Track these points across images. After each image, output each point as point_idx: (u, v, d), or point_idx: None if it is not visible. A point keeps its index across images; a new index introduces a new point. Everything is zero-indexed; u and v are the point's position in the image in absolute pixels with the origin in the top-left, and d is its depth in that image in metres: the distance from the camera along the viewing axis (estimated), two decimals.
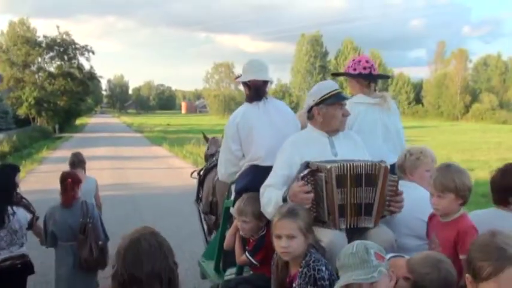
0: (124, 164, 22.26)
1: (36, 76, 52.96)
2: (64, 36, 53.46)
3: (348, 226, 3.48)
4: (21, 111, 49.12)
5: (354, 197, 3.47)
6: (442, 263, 2.72)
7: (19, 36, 51.55)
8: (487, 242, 2.22)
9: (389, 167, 3.57)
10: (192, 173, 7.56)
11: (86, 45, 54.66)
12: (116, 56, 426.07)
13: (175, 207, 12.24)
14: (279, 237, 3.12)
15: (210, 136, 7.80)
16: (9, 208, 5.23)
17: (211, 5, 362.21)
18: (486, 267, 2.13)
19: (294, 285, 3.11)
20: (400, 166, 4.07)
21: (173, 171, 20.09)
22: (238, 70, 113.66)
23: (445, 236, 3.22)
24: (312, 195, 3.44)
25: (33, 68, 52.98)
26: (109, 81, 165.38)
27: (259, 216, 3.95)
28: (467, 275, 2.26)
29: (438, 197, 3.24)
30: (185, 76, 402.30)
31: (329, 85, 3.96)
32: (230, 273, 4.62)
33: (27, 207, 5.49)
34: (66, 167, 6.39)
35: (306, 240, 3.11)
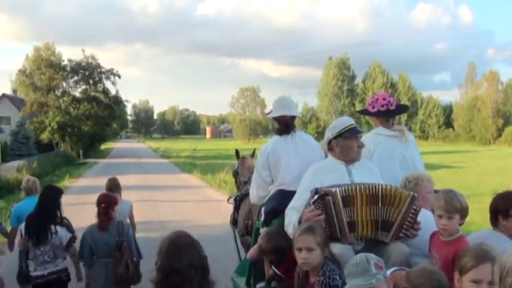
0: (154, 195, 19.99)
1: (61, 100, 51.35)
2: (89, 59, 52.04)
3: (360, 239, 3.98)
4: (44, 136, 47.55)
5: (367, 213, 3.91)
6: (434, 274, 3.07)
7: (43, 60, 50.07)
8: (475, 246, 2.87)
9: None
10: (228, 199, 7.93)
11: (112, 69, 53.40)
12: (141, 82, 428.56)
13: (222, 252, 9.81)
14: (300, 249, 3.59)
15: (241, 154, 7.94)
16: (52, 227, 5.78)
17: (235, 31, 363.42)
18: (469, 261, 2.72)
19: None
20: None
21: (211, 206, 17.63)
22: (263, 94, 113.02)
23: (444, 254, 3.54)
24: (322, 217, 3.86)
25: (57, 92, 51.38)
26: (134, 106, 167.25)
27: (281, 249, 4.31)
28: (455, 273, 2.86)
29: (448, 218, 3.56)
30: (209, 101, 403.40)
31: (345, 121, 4.43)
32: (260, 287, 4.91)
33: (68, 227, 6.01)
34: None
35: (323, 252, 3.58)
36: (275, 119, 5.24)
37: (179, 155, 52.73)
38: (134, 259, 5.90)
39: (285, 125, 5.15)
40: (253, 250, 4.87)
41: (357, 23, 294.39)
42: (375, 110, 5.10)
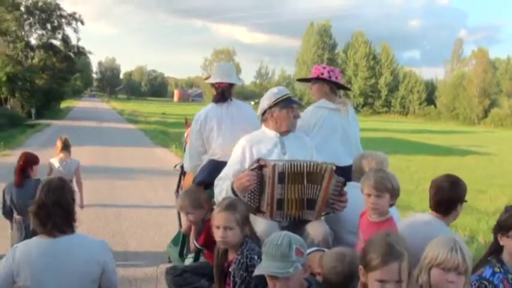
0: (118, 194, 12.46)
1: (11, 46, 43.45)
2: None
3: (286, 218, 3.84)
4: None
5: (294, 192, 3.81)
6: (346, 257, 3.07)
7: None
8: (380, 238, 2.59)
9: (344, 167, 4.33)
10: (175, 166, 7.33)
11: (74, 13, 45.92)
12: (109, 39, 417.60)
13: None
14: (218, 227, 3.39)
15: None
16: None
17: None
18: (375, 259, 2.50)
19: (230, 269, 3.39)
20: (354, 168, 4.30)
21: None
22: (238, 58, 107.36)
23: (369, 235, 3.35)
24: (254, 178, 3.75)
25: (9, 37, 43.57)
26: (100, 63, 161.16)
27: (199, 204, 4.30)
28: (360, 266, 2.63)
29: (377, 196, 3.46)
30: (178, 64, 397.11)
31: (280, 90, 4.31)
32: (190, 257, 4.78)
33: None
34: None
35: (242, 231, 3.39)
36: (212, 85, 5.08)
37: (147, 120, 46.01)
38: None
39: (221, 93, 4.99)
40: (187, 223, 4.74)
41: None
42: (315, 76, 5.06)
